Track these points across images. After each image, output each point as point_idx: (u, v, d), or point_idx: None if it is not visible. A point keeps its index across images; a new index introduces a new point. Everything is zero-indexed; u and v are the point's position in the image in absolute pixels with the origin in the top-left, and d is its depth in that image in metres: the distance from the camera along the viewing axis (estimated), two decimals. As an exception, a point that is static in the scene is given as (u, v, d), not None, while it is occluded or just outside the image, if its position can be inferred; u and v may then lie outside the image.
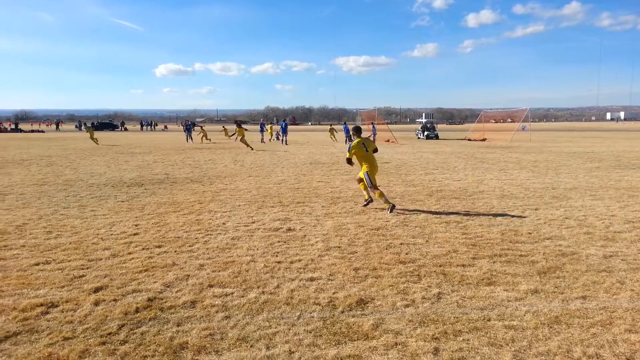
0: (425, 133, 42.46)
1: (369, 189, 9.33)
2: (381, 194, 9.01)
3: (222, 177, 14.43)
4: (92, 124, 79.10)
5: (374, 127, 36.05)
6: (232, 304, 4.63)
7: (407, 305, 4.58)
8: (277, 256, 6.17)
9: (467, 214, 8.75)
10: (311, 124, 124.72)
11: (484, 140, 37.99)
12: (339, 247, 6.58)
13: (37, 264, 5.80)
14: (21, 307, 4.52)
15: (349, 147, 9.19)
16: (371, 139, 34.67)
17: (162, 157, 21.77)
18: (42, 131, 67.58)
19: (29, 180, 13.51)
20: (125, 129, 74.18)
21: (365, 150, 9.15)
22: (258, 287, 5.06)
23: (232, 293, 4.90)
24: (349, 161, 9.36)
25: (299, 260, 5.98)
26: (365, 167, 9.14)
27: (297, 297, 4.80)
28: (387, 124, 48.63)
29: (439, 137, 42.20)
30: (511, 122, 49.15)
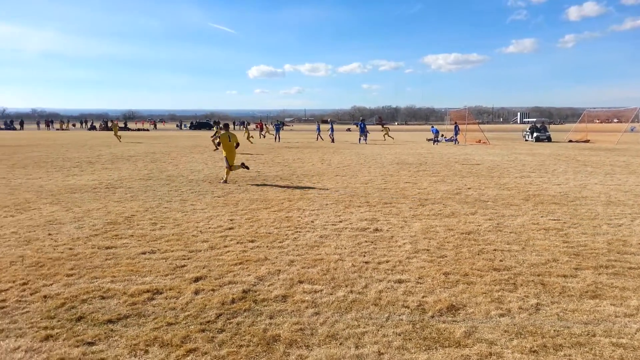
0: (535, 135, 36.88)
1: (226, 168, 13.15)
2: (227, 173, 13.10)
3: (309, 175, 14.72)
4: (192, 123, 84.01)
5: (456, 127, 34.80)
6: (321, 300, 4.72)
7: (502, 315, 4.39)
8: (364, 256, 6.19)
9: (568, 221, 8.19)
10: (397, 124, 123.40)
11: (587, 141, 35.26)
12: (427, 250, 6.46)
13: (144, 253, 6.30)
14: (130, 292, 4.93)
15: (216, 136, 13.08)
16: (453, 138, 33.73)
17: (253, 155, 22.64)
18: (147, 129, 73.04)
19: (136, 175, 14.68)
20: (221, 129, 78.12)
21: (228, 141, 13.13)
22: (346, 286, 5.11)
23: (321, 290, 5.00)
24: (216, 145, 13.30)
25: (387, 262, 5.95)
26: (224, 153, 13.22)
27: (386, 298, 4.78)
28: (478, 123, 46.77)
29: (552, 140, 36.45)
30: (618, 122, 45.22)
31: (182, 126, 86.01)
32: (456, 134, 34.19)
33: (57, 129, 72.68)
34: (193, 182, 13.12)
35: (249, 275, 5.45)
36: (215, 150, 14.05)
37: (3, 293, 4.84)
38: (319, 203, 9.95)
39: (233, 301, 4.70)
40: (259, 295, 4.87)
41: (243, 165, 13.90)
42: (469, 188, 11.99)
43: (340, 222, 8.17)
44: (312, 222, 8.18)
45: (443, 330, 4.09)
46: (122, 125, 76.90)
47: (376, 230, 7.58)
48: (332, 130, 38.03)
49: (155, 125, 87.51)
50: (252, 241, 6.91)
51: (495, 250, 6.43)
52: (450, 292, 4.95)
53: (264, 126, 49.16)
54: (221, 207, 9.55)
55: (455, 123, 36.15)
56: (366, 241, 6.90)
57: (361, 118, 45.04)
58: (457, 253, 6.31)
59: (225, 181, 12.98)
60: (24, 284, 5.11)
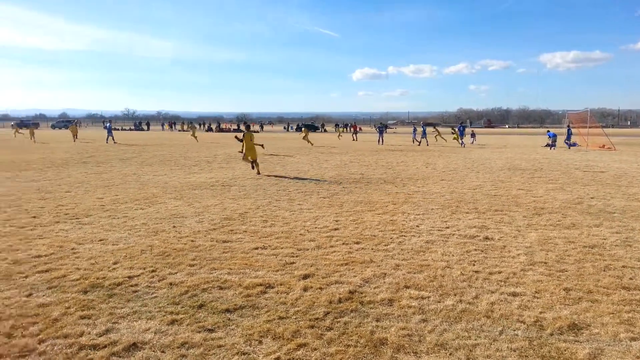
0: None
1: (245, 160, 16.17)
2: (244, 160, 16.13)
3: (414, 179, 14.49)
4: (297, 125, 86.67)
5: (569, 130, 31.96)
6: (429, 308, 4.63)
7: (633, 339, 3.98)
8: (474, 265, 5.96)
9: None
10: (508, 127, 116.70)
11: None
12: (545, 262, 6.05)
13: (256, 248, 6.64)
14: (245, 284, 5.23)
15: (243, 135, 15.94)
16: (569, 142, 30.82)
17: (357, 158, 22.81)
18: (257, 131, 76.70)
19: (248, 174, 15.50)
20: (325, 130, 79.81)
21: (250, 141, 15.68)
22: (455, 295, 4.97)
23: (429, 297, 4.90)
24: (239, 139, 16.36)
25: (499, 272, 5.67)
26: (244, 149, 15.76)
27: (498, 311, 4.57)
28: (602, 127, 42.71)
29: None
30: None
31: (289, 128, 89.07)
32: (568, 137, 31.54)
33: (179, 130, 78.96)
34: (299, 183, 13.54)
35: (355, 276, 5.51)
36: (240, 152, 15.31)
37: (135, 278, 5.38)
38: (424, 207, 9.76)
39: (340, 301, 4.79)
40: (365, 297, 4.90)
41: (253, 163, 15.84)
42: (592, 197, 11.02)
43: (447, 228, 7.95)
44: (418, 226, 8.05)
45: (564, 350, 3.81)
46: (236, 127, 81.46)
47: (486, 238, 7.26)
48: (425, 133, 36.73)
49: (262, 127, 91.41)
50: (357, 243, 6.98)
51: (624, 267, 5.85)
52: (571, 309, 4.59)
53: (358, 128, 49.53)
54: (327, 207, 9.75)
55: (568, 126, 33.34)
56: (476, 249, 6.65)
57: (461, 122, 43.16)
58: (579, 268, 5.83)
59: (258, 172, 15.63)
60: (153, 271, 5.64)
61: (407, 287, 5.20)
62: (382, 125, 43.33)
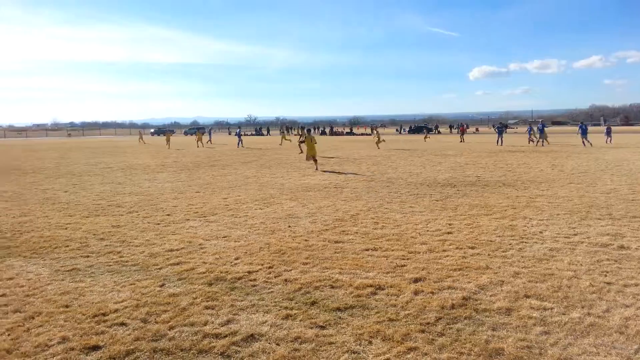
0: None
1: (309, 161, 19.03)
2: (315, 163, 18.57)
3: (537, 182, 13.51)
4: (410, 127, 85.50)
5: None
6: (552, 320, 4.30)
7: None
8: (606, 276, 5.41)
9: None
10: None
11: None
12: (695, 276, 5.30)
13: (367, 250, 6.68)
14: (355, 284, 5.29)
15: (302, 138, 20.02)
16: None
17: (473, 160, 21.87)
18: (369, 134, 77.02)
19: (360, 177, 15.65)
20: (439, 132, 77.70)
21: (311, 142, 18.60)
22: (582, 307, 4.55)
23: (552, 308, 4.55)
24: (300, 144, 20.97)
25: (636, 285, 5.09)
26: (307, 150, 18.74)
27: (634, 327, 4.10)
28: None
29: None
30: None
31: (402, 130, 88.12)
32: None
33: (295, 135, 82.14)
34: (412, 185, 13.34)
35: (469, 282, 5.30)
36: (300, 153, 21.95)
37: (254, 274, 5.72)
38: (549, 212, 9.07)
39: (453, 307, 4.64)
40: (480, 304, 4.70)
41: (314, 160, 18.62)
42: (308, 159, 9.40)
43: (575, 235, 7.30)
44: (541, 232, 7.50)
45: None
46: (349, 130, 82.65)
47: (621, 247, 6.55)
48: (542, 131, 33.63)
49: (372, 130, 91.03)
50: (472, 248, 6.70)
51: None
52: None
53: (465, 129, 47.40)
54: (439, 210, 9.50)
55: None
56: (608, 259, 6.03)
57: (541, 120, 38.92)
58: None
59: (316, 168, 18.23)
60: (270, 267, 5.94)
61: (527, 296, 4.88)
62: (501, 125, 41.10)
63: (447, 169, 17.70)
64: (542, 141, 32.49)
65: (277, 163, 21.53)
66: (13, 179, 16.41)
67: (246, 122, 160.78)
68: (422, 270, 5.76)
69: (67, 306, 4.74)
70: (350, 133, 78.38)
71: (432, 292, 5.03)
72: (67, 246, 7.09)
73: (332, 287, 5.25)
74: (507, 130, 67.29)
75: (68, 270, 5.90)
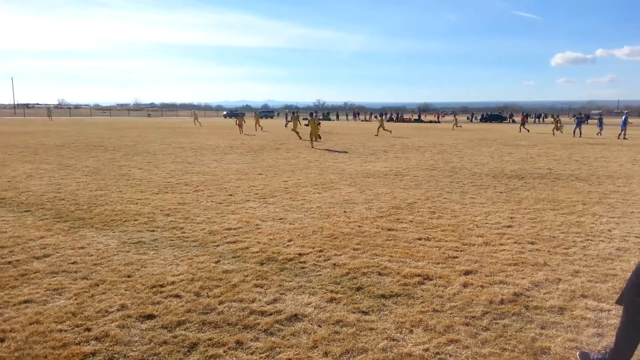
0: None
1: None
2: (313, 141, 22.27)
3: (614, 177, 12.63)
4: (482, 115, 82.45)
5: None
6: (608, 322, 4.08)
7: None
8: (678, 281, 5.01)
9: None
10: None
11: None
12: None
13: (420, 239, 6.61)
14: (403, 273, 5.27)
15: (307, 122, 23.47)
16: None
17: (546, 151, 20.78)
18: (438, 121, 75.15)
19: (422, 165, 15.37)
20: (513, 121, 74.28)
21: (315, 124, 22.41)
22: (646, 312, 4.26)
23: (609, 310, 4.31)
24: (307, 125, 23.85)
25: None
26: (310, 131, 22.39)
27: (702, 338, 3.79)
28: None
29: None
30: None
31: (473, 119, 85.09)
32: None
33: (362, 120, 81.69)
34: (476, 176, 12.94)
35: (523, 278, 5.12)
36: (300, 138, 25.79)
37: (305, 256, 5.84)
38: (622, 210, 8.48)
39: (502, 302, 4.51)
40: (531, 301, 4.53)
41: (317, 138, 22.91)
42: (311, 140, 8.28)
43: (649, 235, 6.80)
44: (609, 230, 7.06)
45: None
46: (416, 117, 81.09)
47: (701, 251, 6.03)
48: (625, 123, 30.98)
49: (438, 118, 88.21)
50: (532, 243, 6.43)
51: None
52: None
53: (525, 119, 44.98)
54: (502, 203, 9.16)
55: None
56: (683, 263, 5.57)
57: (578, 113, 35.32)
58: None
59: (312, 146, 21.68)
60: (320, 251, 6.04)
61: (584, 296, 4.65)
62: (580, 115, 38.56)
63: (516, 160, 16.96)
64: (623, 133, 30.21)
65: (340, 148, 21.60)
66: (94, 155, 17.65)
67: (315, 106, 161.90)
68: (475, 263, 5.63)
69: (129, 276, 5.10)
70: (418, 120, 76.81)
71: (482, 286, 4.91)
72: (136, 220, 7.58)
73: (380, 274, 5.26)
74: (588, 121, 63.11)
75: (134, 243, 6.32)
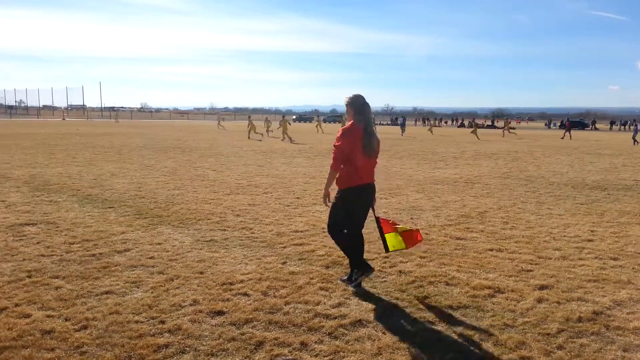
0: None
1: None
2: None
3: None
4: (561, 122, 78.19)
5: None
6: (703, 350, 3.72)
7: None
8: None
9: None
10: None
11: None
12: None
13: (491, 250, 6.36)
14: (473, 284, 5.10)
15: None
16: None
17: (632, 161, 19.32)
18: (513, 128, 71.91)
19: (495, 173, 14.81)
20: (596, 129, 69.84)
21: (286, 124, 31.27)
22: None
23: None
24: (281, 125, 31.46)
25: None
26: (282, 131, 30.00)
27: None
28: None
29: None
30: None
31: (551, 125, 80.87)
32: None
33: (431, 126, 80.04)
34: (554, 185, 12.27)
35: (604, 296, 4.79)
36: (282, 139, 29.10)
37: (370, 262, 5.78)
38: None
39: (580, 320, 4.24)
40: (612, 321, 4.23)
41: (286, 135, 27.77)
42: None
43: None
44: None
45: None
46: (489, 123, 78.38)
47: None
48: None
49: (506, 124, 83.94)
50: (615, 259, 6.00)
51: None
52: None
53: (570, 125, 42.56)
54: (582, 215, 8.62)
55: None
56: None
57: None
58: None
59: (283, 139, 27.01)
60: (386, 257, 5.98)
61: (675, 320, 4.27)
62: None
63: (599, 170, 15.91)
64: None
65: (408, 154, 21.30)
66: (172, 156, 18.58)
67: (383, 111, 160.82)
68: (551, 277, 5.33)
69: (201, 273, 5.32)
70: (492, 126, 74.12)
71: (558, 302, 4.64)
72: (209, 219, 7.89)
73: (448, 284, 5.12)
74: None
75: (206, 241, 6.59)
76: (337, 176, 4.85)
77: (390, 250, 5.02)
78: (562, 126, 73.92)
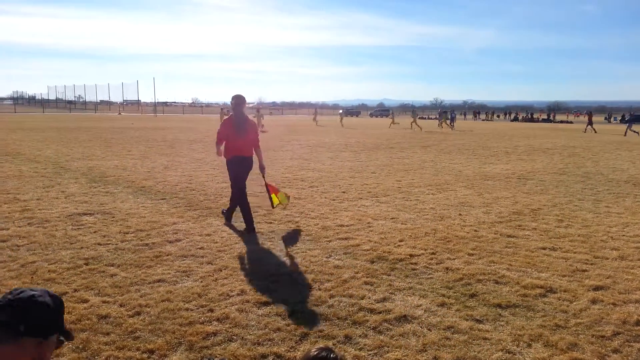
0: None
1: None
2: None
3: None
4: (622, 116, 74.21)
5: None
6: None
7: None
8: None
9: None
10: None
11: None
12: None
13: (544, 248, 6.14)
14: (523, 283, 4.95)
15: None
16: None
17: None
18: (571, 122, 68.99)
19: (550, 169, 14.25)
20: (661, 122, 65.57)
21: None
22: None
23: None
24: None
25: None
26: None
27: None
28: None
29: None
30: None
31: (611, 119, 76.87)
32: None
33: (483, 120, 77.97)
34: (613, 182, 11.68)
35: (667, 300, 4.53)
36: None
37: (416, 257, 5.74)
38: None
39: (638, 323, 4.04)
40: (676, 326, 3.99)
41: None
42: None
43: None
44: None
45: None
46: (545, 117, 75.43)
47: None
48: None
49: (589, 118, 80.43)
50: (680, 261, 5.66)
51: None
52: None
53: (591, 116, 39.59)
54: (644, 214, 8.17)
55: None
56: None
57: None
58: None
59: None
60: (433, 253, 5.90)
61: None
62: None
63: (664, 167, 14.99)
64: None
65: (457, 149, 20.83)
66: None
67: (431, 105, 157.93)
68: (607, 278, 5.10)
69: (248, 264, 5.44)
70: (547, 120, 71.24)
71: (614, 304, 4.43)
72: (256, 212, 8.01)
73: (497, 282, 4.99)
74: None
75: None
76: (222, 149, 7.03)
77: (274, 206, 7.27)
78: (623, 120, 70.13)
